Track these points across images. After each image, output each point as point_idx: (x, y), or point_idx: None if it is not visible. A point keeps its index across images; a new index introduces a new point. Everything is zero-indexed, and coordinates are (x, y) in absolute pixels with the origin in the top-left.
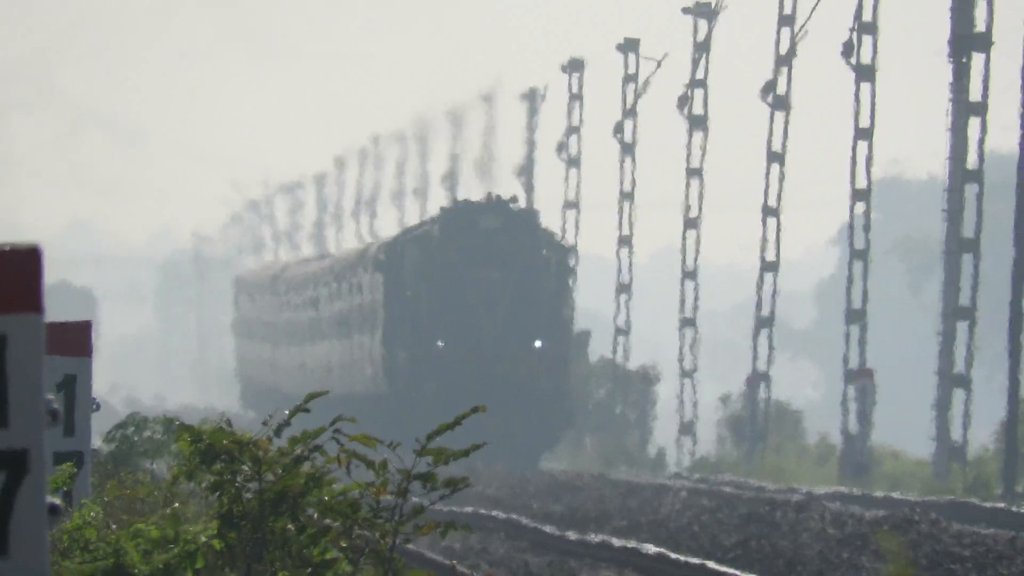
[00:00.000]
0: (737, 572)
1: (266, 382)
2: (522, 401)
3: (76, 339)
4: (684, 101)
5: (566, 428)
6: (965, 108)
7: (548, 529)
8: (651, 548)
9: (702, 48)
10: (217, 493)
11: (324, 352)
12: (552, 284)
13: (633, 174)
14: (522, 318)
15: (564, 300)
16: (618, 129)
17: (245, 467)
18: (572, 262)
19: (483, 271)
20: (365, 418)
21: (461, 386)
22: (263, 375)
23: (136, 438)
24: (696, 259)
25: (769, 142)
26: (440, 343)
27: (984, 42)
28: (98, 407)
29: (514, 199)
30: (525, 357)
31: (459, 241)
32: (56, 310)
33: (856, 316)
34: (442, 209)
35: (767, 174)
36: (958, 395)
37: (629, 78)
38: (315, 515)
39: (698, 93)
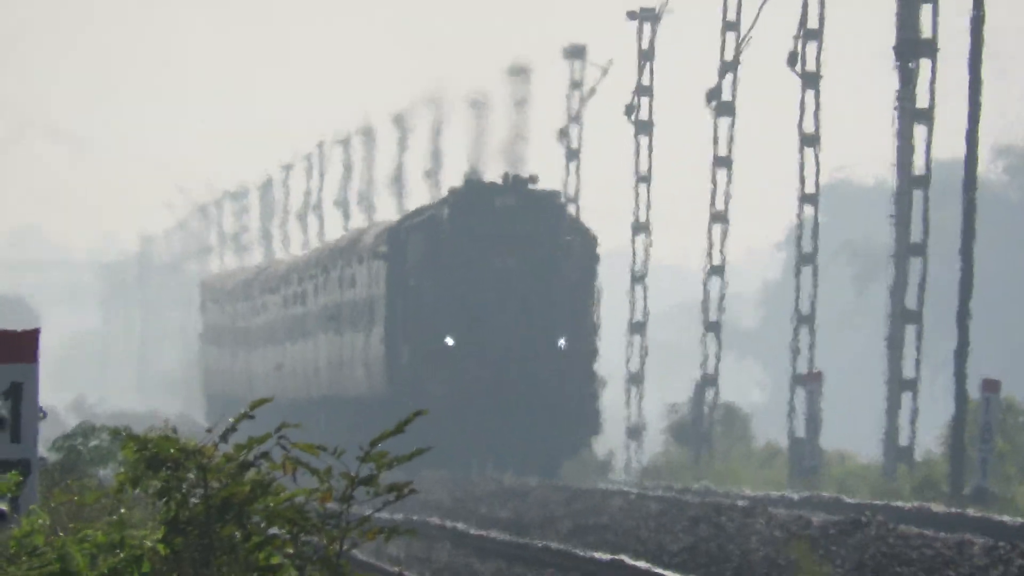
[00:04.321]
0: None
1: (235, 389)
2: (542, 405)
3: (22, 347)
4: (631, 109)
5: (592, 434)
6: (911, 114)
7: (495, 535)
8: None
9: (647, 55)
10: (164, 499)
11: (307, 352)
12: (576, 273)
13: (578, 180)
14: (543, 312)
15: (590, 292)
16: (563, 135)
17: (191, 474)
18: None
19: (498, 258)
20: (361, 423)
21: (472, 388)
22: (231, 382)
23: (82, 448)
24: (646, 263)
25: (715, 147)
26: (449, 340)
27: (930, 48)
28: (44, 415)
29: (534, 178)
30: (546, 356)
31: (470, 225)
32: None
33: (804, 320)
34: (451, 190)
35: (713, 179)
36: (905, 397)
37: (575, 84)
38: (262, 523)
39: (644, 100)
